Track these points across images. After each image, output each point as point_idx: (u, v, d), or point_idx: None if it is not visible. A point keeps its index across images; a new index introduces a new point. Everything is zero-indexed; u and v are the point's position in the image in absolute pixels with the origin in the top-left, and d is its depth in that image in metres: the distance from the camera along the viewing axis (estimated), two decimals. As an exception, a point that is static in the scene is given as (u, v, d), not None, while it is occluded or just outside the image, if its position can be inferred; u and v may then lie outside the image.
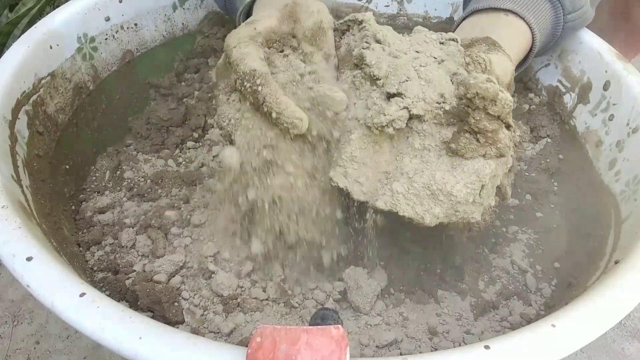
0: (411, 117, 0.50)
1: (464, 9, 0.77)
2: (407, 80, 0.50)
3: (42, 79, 0.64)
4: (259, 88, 0.51)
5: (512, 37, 0.64)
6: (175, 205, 0.67)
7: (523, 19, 0.64)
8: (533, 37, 0.66)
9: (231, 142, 0.55)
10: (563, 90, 0.76)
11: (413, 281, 0.62)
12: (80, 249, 0.62)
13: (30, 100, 0.62)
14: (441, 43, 0.55)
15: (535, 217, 0.70)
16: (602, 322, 0.41)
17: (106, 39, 0.73)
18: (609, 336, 0.89)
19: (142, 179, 0.72)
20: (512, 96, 0.75)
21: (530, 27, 0.65)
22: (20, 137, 0.58)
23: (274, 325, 0.38)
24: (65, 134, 0.68)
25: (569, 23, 0.68)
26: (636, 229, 0.54)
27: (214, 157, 0.73)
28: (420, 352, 0.54)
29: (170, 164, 0.74)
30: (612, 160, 0.65)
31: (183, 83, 0.84)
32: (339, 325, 0.37)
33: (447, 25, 0.85)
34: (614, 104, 0.67)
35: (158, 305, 0.56)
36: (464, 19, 0.69)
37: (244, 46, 0.53)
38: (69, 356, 0.84)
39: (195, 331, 0.55)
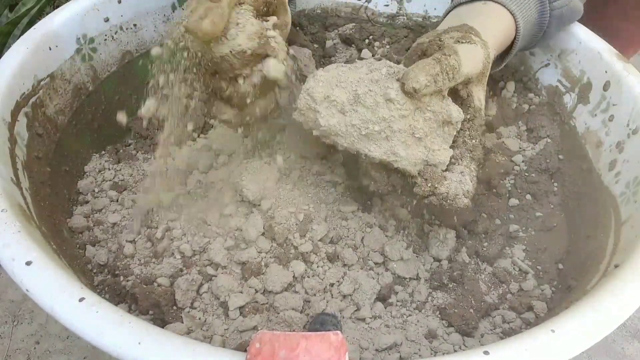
0: None
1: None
2: None
3: (42, 80, 0.64)
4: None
5: (492, 25, 0.64)
6: (176, 206, 0.67)
7: (504, 5, 0.64)
8: (516, 25, 0.65)
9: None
10: (563, 90, 0.75)
11: (414, 282, 0.63)
12: (80, 250, 0.62)
13: (30, 102, 0.61)
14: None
15: (535, 217, 0.70)
16: (601, 328, 0.41)
17: (105, 39, 0.73)
18: (609, 336, 0.89)
19: (142, 178, 0.72)
20: (497, 89, 0.75)
21: (512, 14, 0.65)
22: (19, 139, 0.58)
23: (273, 330, 0.38)
24: (64, 135, 0.68)
25: (556, 11, 0.68)
26: (636, 231, 0.54)
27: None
28: (420, 356, 0.54)
29: (170, 162, 0.74)
30: (612, 161, 0.65)
31: (182, 83, 0.83)
32: (338, 332, 0.37)
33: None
34: (614, 105, 0.67)
35: (157, 308, 0.56)
36: (448, 12, 0.69)
37: None
38: (69, 356, 0.84)
39: (194, 335, 0.55)
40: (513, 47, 0.68)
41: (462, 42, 0.58)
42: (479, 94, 0.60)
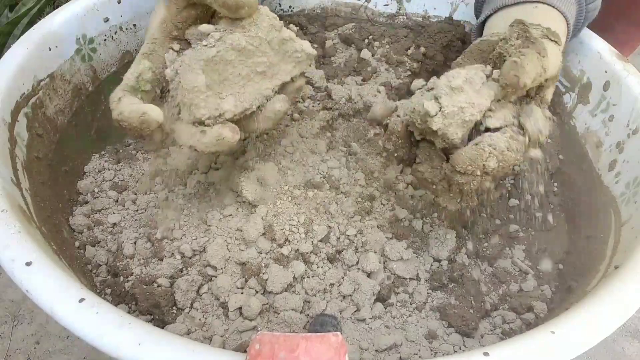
0: None
1: (476, 11, 0.76)
2: None
3: (41, 80, 0.64)
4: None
5: (555, 27, 0.61)
6: (176, 206, 0.67)
7: (556, 7, 0.63)
8: (568, 27, 0.64)
9: None
10: (563, 90, 0.75)
11: (414, 282, 0.63)
12: (80, 251, 0.62)
13: (30, 103, 0.61)
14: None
15: (535, 217, 0.70)
16: (601, 329, 0.41)
17: (105, 40, 0.73)
18: (609, 336, 0.89)
19: (142, 177, 0.72)
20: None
21: (564, 17, 0.63)
22: (19, 139, 0.58)
23: (273, 331, 0.38)
24: (64, 135, 0.68)
25: (590, 13, 0.67)
26: (636, 232, 0.54)
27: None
28: (420, 357, 0.54)
29: (170, 162, 0.74)
30: (612, 161, 0.65)
31: (182, 83, 0.83)
32: (338, 333, 0.37)
33: (447, 24, 0.85)
34: (613, 105, 0.67)
35: (157, 309, 0.56)
36: (488, 16, 0.68)
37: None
38: (69, 356, 0.84)
39: (194, 336, 0.55)
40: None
41: (551, 40, 0.54)
42: (549, 96, 0.57)
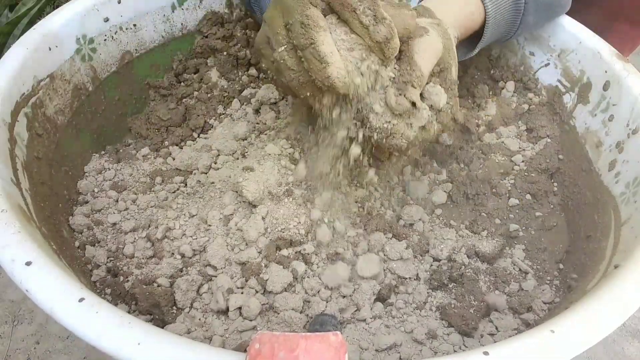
0: None
1: None
2: None
3: (41, 80, 0.64)
4: (313, 33, 0.50)
5: (456, 3, 0.63)
6: (176, 206, 0.67)
7: None
8: (484, 6, 0.65)
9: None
10: (563, 90, 0.75)
11: (414, 282, 0.63)
12: (80, 250, 0.62)
13: (30, 103, 0.61)
14: None
15: (535, 217, 0.70)
16: (601, 328, 0.41)
17: (105, 40, 0.73)
18: (609, 336, 0.89)
19: (142, 177, 0.72)
20: (497, 89, 0.76)
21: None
22: (19, 139, 0.58)
23: (273, 331, 0.38)
24: (64, 135, 0.68)
25: None
26: (636, 232, 0.54)
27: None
28: (420, 356, 0.54)
29: (170, 162, 0.74)
30: (611, 161, 0.65)
31: (182, 83, 0.84)
32: (338, 332, 0.37)
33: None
34: (613, 105, 0.67)
35: (157, 309, 0.56)
36: None
37: None
38: (69, 356, 0.84)
39: (194, 335, 0.55)
40: (485, 31, 0.67)
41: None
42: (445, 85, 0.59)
